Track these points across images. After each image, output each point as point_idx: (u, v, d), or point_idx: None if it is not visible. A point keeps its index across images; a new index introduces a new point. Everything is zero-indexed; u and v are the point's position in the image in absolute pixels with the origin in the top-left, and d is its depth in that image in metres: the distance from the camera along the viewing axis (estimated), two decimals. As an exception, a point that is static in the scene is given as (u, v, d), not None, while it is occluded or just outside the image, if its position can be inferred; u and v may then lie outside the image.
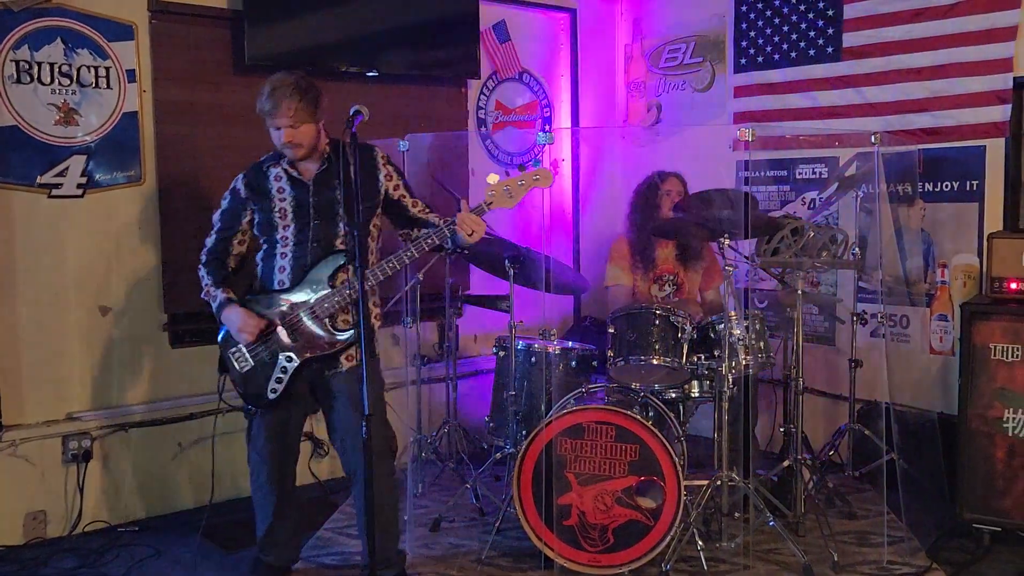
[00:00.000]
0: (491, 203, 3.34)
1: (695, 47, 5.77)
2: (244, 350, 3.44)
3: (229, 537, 4.20)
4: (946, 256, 4.66)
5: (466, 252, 3.51)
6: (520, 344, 4.32)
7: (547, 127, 5.93)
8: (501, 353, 4.47)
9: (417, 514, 4.37)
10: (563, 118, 6.05)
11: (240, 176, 3.53)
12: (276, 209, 3.43)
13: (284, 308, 3.39)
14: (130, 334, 4.45)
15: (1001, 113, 4.38)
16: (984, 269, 4.21)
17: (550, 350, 4.26)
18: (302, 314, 3.37)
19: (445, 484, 4.77)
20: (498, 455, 4.40)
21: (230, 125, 4.62)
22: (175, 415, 4.56)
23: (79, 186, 4.27)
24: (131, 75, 4.36)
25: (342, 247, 3.41)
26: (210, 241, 3.56)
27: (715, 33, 5.65)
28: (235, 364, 3.45)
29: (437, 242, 3.36)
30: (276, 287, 3.44)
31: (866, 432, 4.54)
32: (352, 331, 3.38)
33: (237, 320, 3.40)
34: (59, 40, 4.16)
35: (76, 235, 4.28)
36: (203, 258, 3.55)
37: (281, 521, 3.64)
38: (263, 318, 3.40)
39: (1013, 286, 3.99)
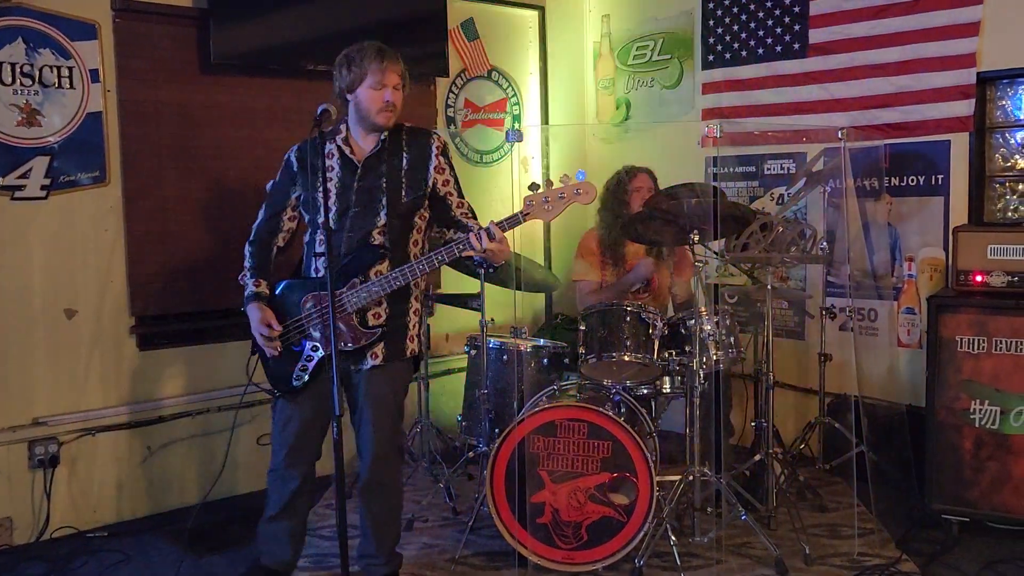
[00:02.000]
0: (528, 214, 3.18)
1: (663, 44, 5.79)
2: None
3: (200, 541, 4.16)
4: (912, 250, 4.71)
5: (492, 268, 3.50)
6: (491, 342, 4.32)
7: (516, 125, 5.92)
8: (473, 351, 4.46)
9: (390, 514, 4.36)
10: (533, 116, 6.05)
11: (294, 148, 3.43)
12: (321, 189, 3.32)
13: (314, 298, 3.32)
14: (97, 337, 4.39)
15: (965, 108, 4.43)
16: (950, 262, 4.26)
17: (521, 348, 4.26)
18: (331, 305, 3.30)
19: (418, 484, 4.75)
20: (471, 454, 4.39)
21: (196, 125, 4.58)
22: (143, 418, 4.51)
23: (43, 188, 4.21)
24: (95, 75, 4.30)
25: (379, 239, 3.31)
26: (260, 215, 3.47)
27: (683, 30, 5.67)
28: (259, 344, 3.40)
29: (469, 252, 3.23)
30: (313, 275, 3.38)
31: (836, 425, 4.58)
32: (379, 328, 3.31)
33: (256, 320, 3.34)
34: (20, 40, 4.09)
35: (40, 237, 4.22)
36: (251, 234, 3.46)
37: (287, 513, 3.53)
38: (292, 315, 3.35)
39: (978, 279, 4.04)
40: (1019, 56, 4.28)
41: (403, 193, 3.33)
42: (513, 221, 3.20)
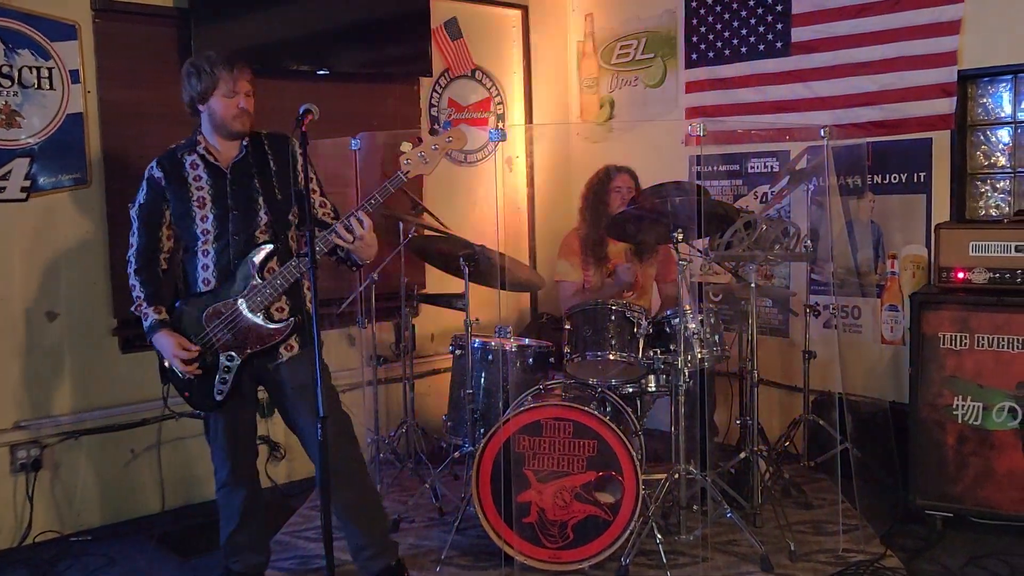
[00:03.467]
0: (408, 172, 3.21)
1: (647, 43, 5.80)
2: None
3: (184, 543, 4.14)
4: (895, 247, 4.73)
5: (356, 266, 3.46)
6: (476, 342, 4.31)
7: (500, 124, 5.92)
8: (458, 352, 4.46)
9: (376, 515, 4.34)
10: (516, 115, 6.04)
11: (153, 164, 3.38)
12: (194, 199, 3.32)
13: (214, 310, 3.29)
14: (79, 340, 4.36)
15: (947, 106, 4.46)
16: (932, 259, 4.28)
17: (507, 348, 4.25)
18: (236, 311, 3.28)
19: (404, 484, 4.74)
20: (457, 454, 4.38)
21: (178, 126, 4.48)
22: (127, 421, 4.48)
23: (23, 189, 4.18)
24: (75, 76, 4.27)
25: (263, 238, 3.33)
26: (136, 241, 3.40)
27: (666, 29, 5.68)
28: (178, 372, 3.35)
29: (332, 244, 3.24)
30: (202, 287, 3.34)
31: (820, 422, 4.60)
32: (289, 320, 3.33)
33: (169, 348, 3.30)
34: (-1, 40, 4.07)
35: (21, 240, 4.19)
36: (133, 262, 3.39)
37: (247, 522, 3.56)
38: (196, 333, 3.31)
39: (960, 276, 4.06)
40: (1000, 54, 4.31)
41: (277, 192, 3.35)
42: (396, 182, 3.22)
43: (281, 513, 4.45)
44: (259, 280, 3.29)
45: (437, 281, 5.27)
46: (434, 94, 5.62)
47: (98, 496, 4.43)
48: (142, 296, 3.37)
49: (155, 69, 4.50)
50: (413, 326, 5.09)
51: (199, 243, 3.35)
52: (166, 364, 3.37)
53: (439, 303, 4.86)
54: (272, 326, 3.32)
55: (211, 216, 3.33)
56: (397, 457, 4.83)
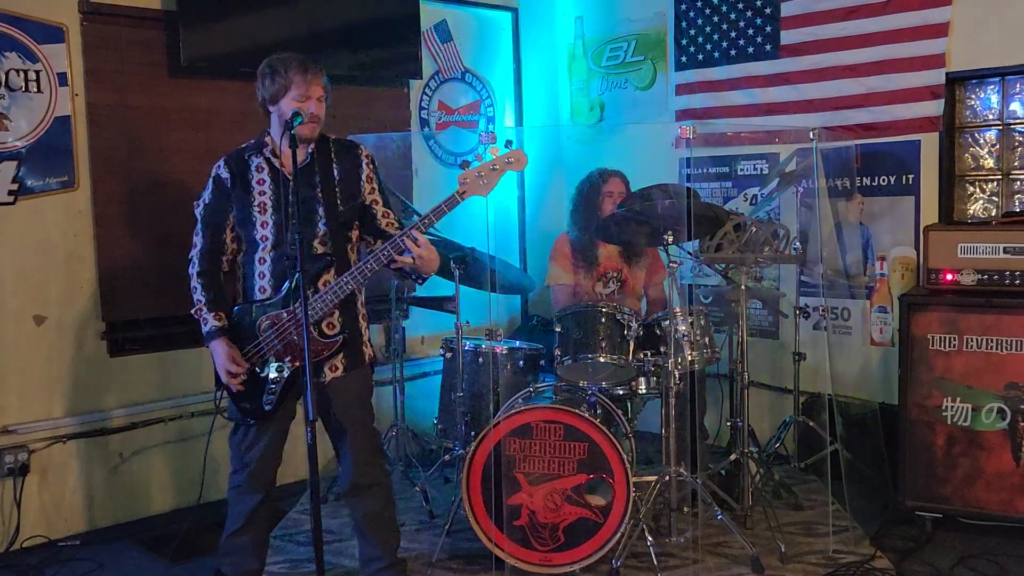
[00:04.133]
0: (464, 192, 3.14)
1: (636, 45, 5.81)
2: None
3: (174, 548, 4.12)
4: (884, 249, 4.74)
5: (421, 280, 3.40)
6: (467, 345, 4.30)
7: (491, 127, 5.92)
8: (448, 354, 4.45)
9: (366, 519, 4.33)
10: (507, 117, 6.04)
11: (220, 163, 3.32)
12: (255, 203, 3.26)
13: (269, 320, 3.24)
14: (67, 344, 4.34)
15: (935, 108, 4.47)
16: (921, 261, 4.29)
17: (497, 350, 4.25)
18: (287, 322, 3.22)
19: (394, 487, 4.71)
20: (447, 457, 4.38)
21: (166, 128, 4.55)
22: (115, 425, 4.47)
23: (10, 193, 4.15)
24: (62, 78, 4.25)
25: (321, 248, 3.27)
26: (200, 241, 3.34)
27: (656, 31, 5.68)
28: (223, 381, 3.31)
29: (393, 255, 3.16)
30: (258, 295, 3.29)
31: (810, 424, 4.61)
32: (340, 335, 3.27)
33: (220, 359, 3.26)
34: (-15, 43, 4.05)
35: (8, 243, 4.17)
36: (196, 263, 3.33)
37: (251, 525, 3.51)
38: (250, 340, 3.28)
39: (949, 277, 4.08)
40: (987, 57, 4.34)
41: (338, 202, 3.29)
42: (452, 202, 3.15)
43: (272, 516, 4.43)
44: (312, 292, 3.21)
45: (427, 284, 5.24)
46: (424, 96, 5.62)
47: (86, 500, 4.41)
48: (203, 300, 3.31)
49: (143, 72, 4.49)
50: (403, 329, 5.08)
51: (258, 249, 3.29)
52: None
53: (429, 306, 4.85)
54: (321, 341, 3.25)
55: (270, 223, 3.26)
56: (387, 460, 4.81)
